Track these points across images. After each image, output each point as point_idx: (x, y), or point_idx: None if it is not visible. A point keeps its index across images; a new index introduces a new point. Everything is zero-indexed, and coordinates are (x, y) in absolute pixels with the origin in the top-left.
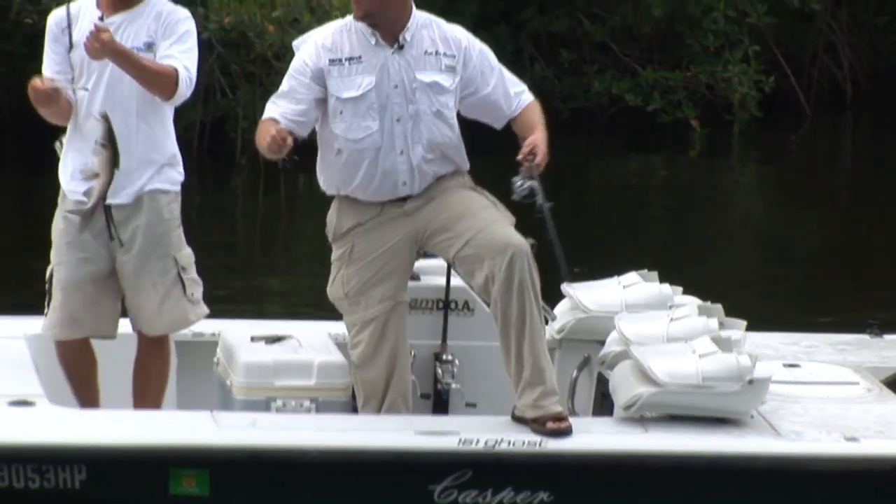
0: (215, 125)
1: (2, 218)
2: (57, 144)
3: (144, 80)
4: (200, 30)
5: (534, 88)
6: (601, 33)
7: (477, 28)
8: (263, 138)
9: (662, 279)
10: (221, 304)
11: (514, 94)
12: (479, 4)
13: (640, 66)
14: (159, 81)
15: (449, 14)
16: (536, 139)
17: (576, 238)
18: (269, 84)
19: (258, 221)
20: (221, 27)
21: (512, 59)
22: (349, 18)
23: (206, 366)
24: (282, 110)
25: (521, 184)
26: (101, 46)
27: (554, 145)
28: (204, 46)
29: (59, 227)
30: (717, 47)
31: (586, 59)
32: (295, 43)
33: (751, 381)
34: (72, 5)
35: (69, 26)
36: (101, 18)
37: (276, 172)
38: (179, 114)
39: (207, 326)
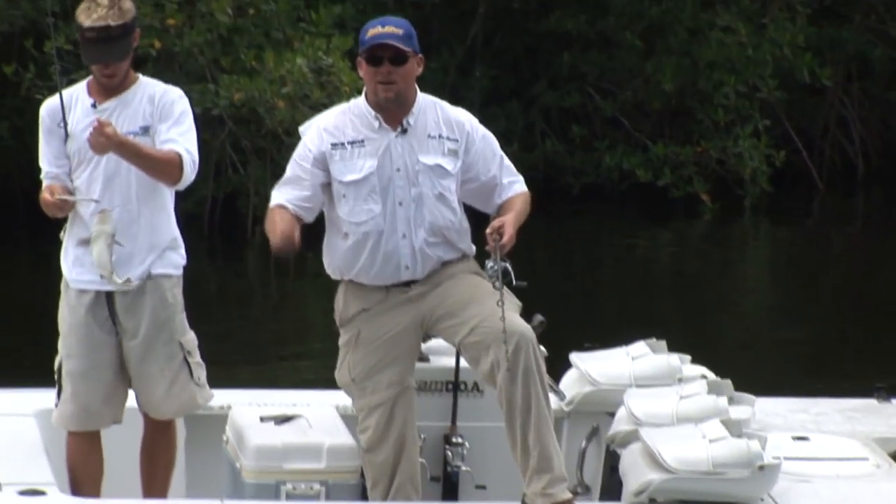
0: (227, 201)
1: (14, 291)
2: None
3: (149, 168)
4: (211, 105)
5: (545, 163)
6: (612, 108)
7: (488, 103)
8: (272, 226)
9: (672, 347)
10: (231, 370)
11: (507, 183)
12: (491, 80)
13: (651, 141)
14: (164, 169)
15: (460, 89)
16: (506, 220)
17: (587, 310)
18: (280, 159)
19: (270, 295)
20: (232, 103)
21: (523, 134)
22: (353, 101)
23: (215, 439)
24: (287, 197)
25: (492, 266)
26: (107, 141)
27: (565, 219)
28: (215, 122)
29: (66, 317)
30: (727, 122)
31: (597, 134)
32: (301, 128)
33: (761, 467)
34: (58, 98)
35: (63, 117)
36: (94, 105)
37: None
38: (190, 190)
39: (216, 399)
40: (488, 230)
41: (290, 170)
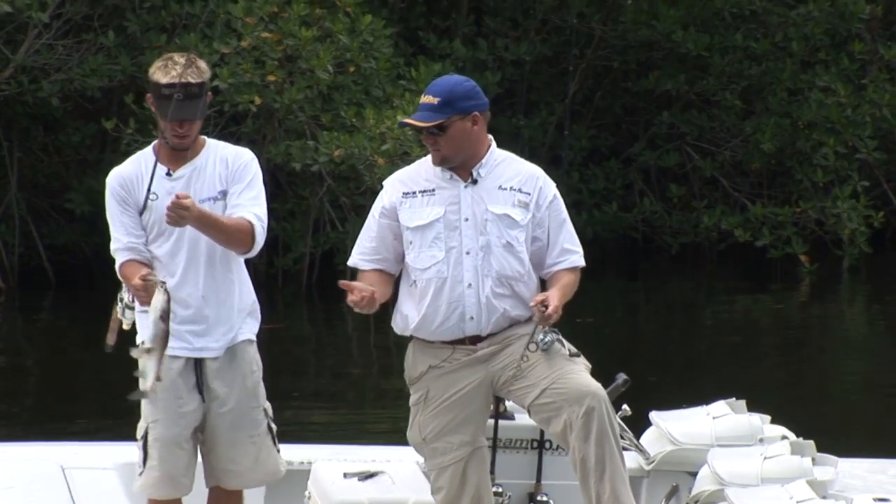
0: (324, 257)
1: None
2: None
3: (224, 239)
4: (311, 162)
5: (643, 223)
6: (711, 168)
7: (587, 163)
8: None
9: (756, 407)
10: (319, 426)
11: (564, 250)
12: (590, 139)
13: (750, 201)
14: (238, 237)
15: (559, 148)
16: (551, 294)
17: (680, 370)
18: None
19: (366, 352)
20: (331, 160)
21: (622, 193)
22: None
23: (294, 494)
24: (359, 251)
25: (543, 338)
26: (187, 214)
27: (662, 278)
28: (314, 179)
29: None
30: (826, 183)
31: (696, 194)
32: (385, 181)
33: None
34: (129, 165)
35: (149, 188)
36: (169, 174)
37: (386, 303)
38: (288, 247)
39: (297, 454)
40: (532, 303)
41: (365, 222)
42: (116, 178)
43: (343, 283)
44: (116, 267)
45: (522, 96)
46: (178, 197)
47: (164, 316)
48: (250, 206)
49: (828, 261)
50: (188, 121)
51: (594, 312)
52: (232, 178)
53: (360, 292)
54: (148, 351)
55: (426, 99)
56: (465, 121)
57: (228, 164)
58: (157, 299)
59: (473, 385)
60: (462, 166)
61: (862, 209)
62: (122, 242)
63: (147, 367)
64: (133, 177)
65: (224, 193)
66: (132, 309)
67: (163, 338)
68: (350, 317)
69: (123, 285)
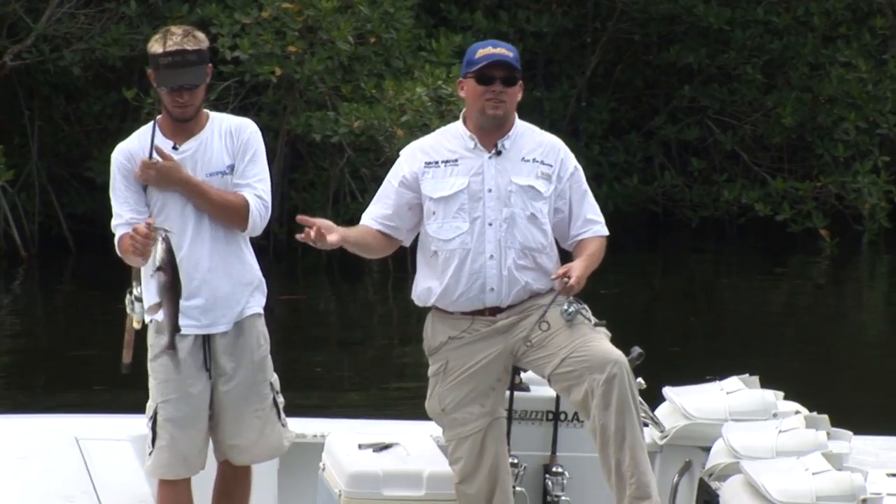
0: None
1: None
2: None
3: (212, 212)
4: (331, 133)
5: (663, 196)
6: (731, 142)
7: (608, 136)
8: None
9: (770, 383)
10: (332, 397)
11: (587, 220)
12: (611, 112)
13: (770, 176)
14: (225, 214)
15: (580, 121)
16: (574, 265)
17: (698, 343)
18: None
19: (385, 322)
20: (351, 131)
21: (642, 166)
22: (451, 124)
23: (310, 467)
24: (372, 215)
25: (566, 308)
26: (160, 174)
27: (682, 252)
28: (334, 150)
29: (163, 362)
30: (847, 158)
31: (716, 168)
32: (402, 150)
33: (864, 501)
34: (133, 140)
35: (150, 156)
36: (175, 147)
37: (406, 275)
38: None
39: (310, 427)
40: (553, 276)
41: (381, 188)
42: (122, 152)
43: (300, 217)
44: (115, 241)
45: (542, 69)
46: (160, 155)
47: (164, 266)
48: (255, 183)
49: (848, 235)
50: (187, 89)
51: (612, 285)
52: (238, 151)
53: (311, 226)
54: (159, 305)
55: (500, 50)
56: (519, 85)
57: (233, 136)
58: (156, 249)
59: (493, 356)
60: (489, 136)
61: (882, 184)
62: (123, 218)
63: (162, 324)
64: (139, 150)
65: (232, 168)
66: (141, 301)
67: (169, 289)
68: (370, 288)
69: (133, 283)
